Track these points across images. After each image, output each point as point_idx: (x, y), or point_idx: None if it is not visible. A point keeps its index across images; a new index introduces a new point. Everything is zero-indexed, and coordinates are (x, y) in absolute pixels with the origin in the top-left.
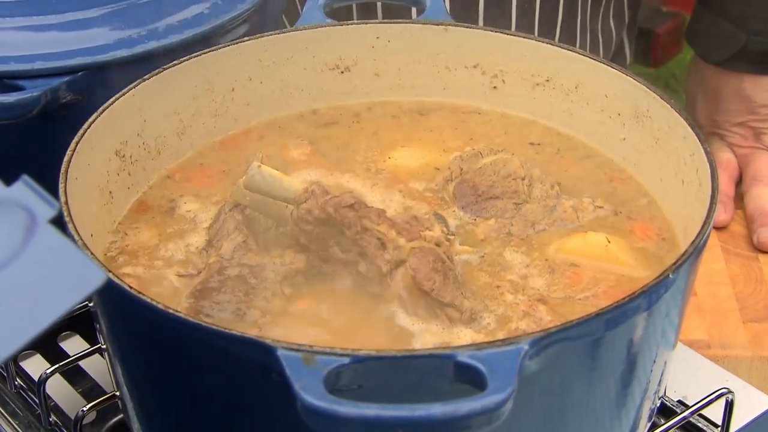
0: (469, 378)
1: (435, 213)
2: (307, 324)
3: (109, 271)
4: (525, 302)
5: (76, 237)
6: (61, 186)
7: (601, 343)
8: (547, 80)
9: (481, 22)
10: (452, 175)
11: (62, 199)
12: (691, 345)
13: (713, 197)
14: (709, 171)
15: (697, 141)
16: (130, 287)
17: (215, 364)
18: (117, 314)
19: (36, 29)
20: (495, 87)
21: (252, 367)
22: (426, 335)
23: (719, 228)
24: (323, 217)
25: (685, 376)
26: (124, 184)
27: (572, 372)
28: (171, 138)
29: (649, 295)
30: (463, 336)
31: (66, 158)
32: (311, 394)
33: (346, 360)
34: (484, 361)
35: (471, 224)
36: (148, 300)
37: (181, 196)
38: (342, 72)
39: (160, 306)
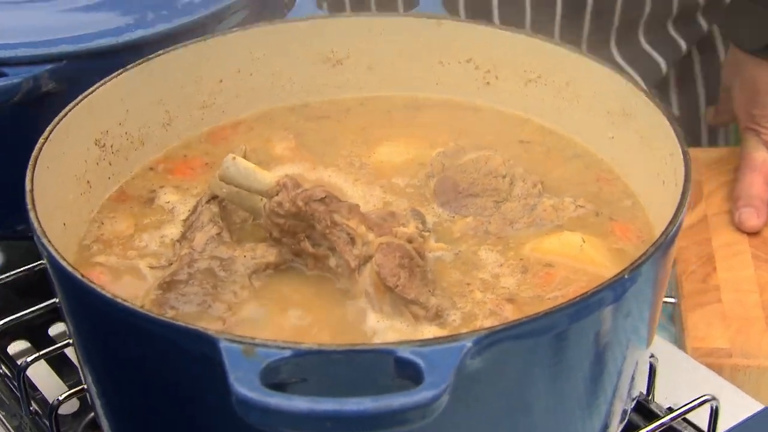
0: (408, 373)
1: (412, 209)
2: (273, 318)
3: (64, 260)
4: (493, 300)
5: (35, 225)
6: (28, 174)
7: (558, 341)
8: (539, 76)
9: (496, 20)
10: (434, 171)
11: (28, 187)
12: (711, 354)
13: (683, 197)
14: (683, 171)
15: (677, 141)
16: (83, 276)
17: (162, 356)
18: (74, 305)
19: (19, 15)
20: (488, 82)
21: (197, 359)
22: (389, 332)
23: (751, 234)
24: (294, 210)
25: (680, 383)
26: (104, 174)
27: (527, 370)
28: (156, 128)
29: (612, 292)
30: (427, 333)
31: (37, 147)
32: (245, 385)
33: (287, 353)
34: (424, 357)
35: (449, 221)
36: (98, 288)
37: (162, 187)
38: (334, 65)
39: (108, 295)
